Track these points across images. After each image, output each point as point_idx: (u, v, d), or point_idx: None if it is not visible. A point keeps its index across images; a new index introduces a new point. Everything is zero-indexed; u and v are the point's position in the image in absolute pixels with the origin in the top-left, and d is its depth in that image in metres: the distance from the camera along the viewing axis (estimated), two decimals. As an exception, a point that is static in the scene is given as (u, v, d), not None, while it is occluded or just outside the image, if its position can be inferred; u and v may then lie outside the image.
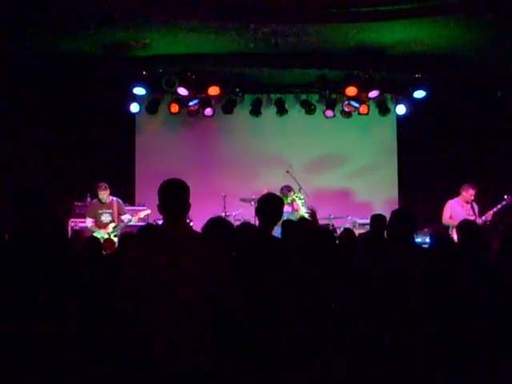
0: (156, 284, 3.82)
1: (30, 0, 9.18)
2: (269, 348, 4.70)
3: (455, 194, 11.20)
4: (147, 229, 5.40)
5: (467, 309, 5.28)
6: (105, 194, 10.99)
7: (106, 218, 11.00)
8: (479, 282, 5.56)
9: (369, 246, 6.55)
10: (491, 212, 10.77)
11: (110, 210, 11.00)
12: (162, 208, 4.07)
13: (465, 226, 6.11)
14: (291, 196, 11.29)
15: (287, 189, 11.38)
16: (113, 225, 10.93)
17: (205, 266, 3.88)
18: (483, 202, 11.25)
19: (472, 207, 10.93)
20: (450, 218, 10.97)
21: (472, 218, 10.58)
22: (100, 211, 11.05)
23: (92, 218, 11.03)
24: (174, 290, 3.82)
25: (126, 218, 11.08)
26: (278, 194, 11.30)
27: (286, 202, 11.33)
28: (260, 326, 4.57)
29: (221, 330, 4.09)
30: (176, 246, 3.90)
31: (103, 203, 11.05)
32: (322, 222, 11.96)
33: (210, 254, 3.95)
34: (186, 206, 4.08)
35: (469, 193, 10.91)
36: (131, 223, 11.04)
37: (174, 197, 4.05)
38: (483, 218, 10.79)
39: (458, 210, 10.98)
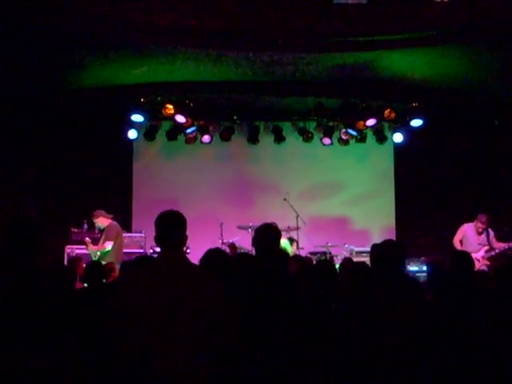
0: (153, 317, 3.80)
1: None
2: (267, 379, 4.66)
3: (458, 221, 11.10)
4: (144, 260, 5.37)
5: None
6: (96, 223, 10.84)
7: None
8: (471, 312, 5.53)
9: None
10: None
11: (100, 236, 10.88)
12: (159, 240, 4.05)
13: (457, 258, 6.08)
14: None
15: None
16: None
17: (201, 298, 3.86)
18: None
19: (487, 235, 10.72)
20: (461, 242, 10.81)
21: (485, 247, 10.60)
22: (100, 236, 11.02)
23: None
24: (171, 323, 3.79)
25: (107, 245, 10.48)
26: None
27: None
28: (258, 359, 4.54)
29: (216, 360, 4.06)
30: (173, 278, 3.88)
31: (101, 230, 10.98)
32: (318, 249, 12.00)
33: (207, 286, 3.93)
34: (182, 238, 4.06)
35: (478, 223, 10.72)
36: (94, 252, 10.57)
37: (171, 229, 4.02)
38: (504, 245, 10.57)
39: (471, 234, 10.82)
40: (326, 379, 4.77)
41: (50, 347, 3.85)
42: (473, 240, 10.75)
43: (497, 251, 10.61)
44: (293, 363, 4.63)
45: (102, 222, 10.75)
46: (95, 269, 6.91)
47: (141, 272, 4.14)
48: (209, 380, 3.90)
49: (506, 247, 10.56)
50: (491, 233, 10.80)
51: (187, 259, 4.15)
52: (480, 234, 10.75)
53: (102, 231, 10.82)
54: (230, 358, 4.05)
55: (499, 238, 10.86)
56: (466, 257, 6.12)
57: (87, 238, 10.74)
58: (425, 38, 9.77)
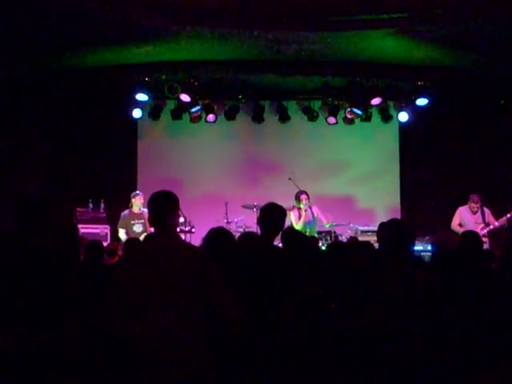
0: (142, 295, 3.84)
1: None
2: (267, 357, 4.69)
3: (463, 201, 11.43)
4: (146, 239, 5.40)
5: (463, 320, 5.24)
6: (141, 203, 11.01)
7: (138, 228, 11.00)
8: (478, 292, 5.53)
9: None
10: (506, 217, 10.89)
11: (142, 220, 10.90)
12: (150, 220, 4.14)
13: (466, 237, 6.12)
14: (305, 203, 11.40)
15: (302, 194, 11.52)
16: (145, 235, 10.87)
17: (193, 276, 3.88)
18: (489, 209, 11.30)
19: (482, 214, 11.11)
20: (460, 224, 11.19)
21: (481, 225, 10.92)
22: (132, 222, 11.08)
23: (124, 228, 11.08)
24: (160, 301, 3.82)
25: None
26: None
27: (298, 206, 11.41)
28: (259, 336, 4.56)
29: (216, 338, 4.08)
30: (161, 257, 3.93)
31: (135, 213, 11.11)
32: (323, 228, 12.00)
33: (198, 264, 3.94)
34: (172, 218, 4.11)
35: (472, 203, 11.19)
36: None
37: (160, 209, 4.09)
38: (498, 222, 10.97)
39: (467, 216, 11.24)
40: (331, 358, 4.79)
41: (53, 322, 3.90)
42: (469, 220, 11.15)
43: (496, 225, 10.99)
44: (295, 340, 4.67)
45: (141, 205, 11.00)
46: (93, 248, 7.02)
47: (135, 250, 4.20)
48: (208, 354, 3.92)
49: (504, 222, 10.94)
50: (486, 211, 11.20)
51: (179, 238, 4.19)
52: (475, 213, 11.17)
53: (134, 214, 11.11)
54: (233, 330, 4.06)
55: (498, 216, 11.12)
56: (475, 236, 6.16)
57: None
58: (429, 18, 9.69)
